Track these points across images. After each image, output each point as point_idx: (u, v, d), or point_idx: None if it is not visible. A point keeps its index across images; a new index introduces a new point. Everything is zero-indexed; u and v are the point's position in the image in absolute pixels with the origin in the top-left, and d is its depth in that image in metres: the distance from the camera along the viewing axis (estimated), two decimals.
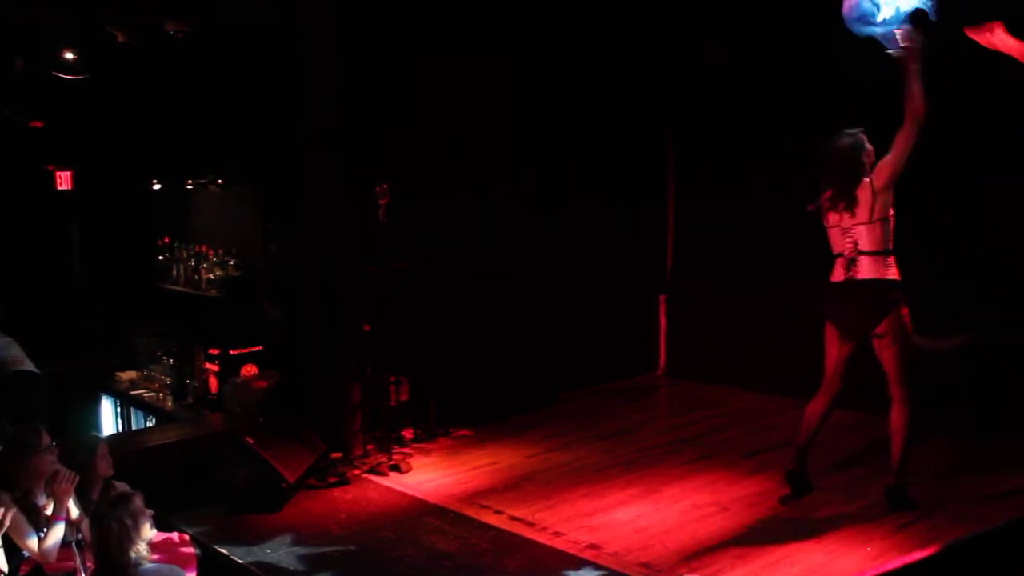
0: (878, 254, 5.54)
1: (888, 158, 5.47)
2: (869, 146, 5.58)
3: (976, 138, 6.51)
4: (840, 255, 5.64)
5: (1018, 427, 6.62)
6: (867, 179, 5.52)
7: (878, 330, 5.59)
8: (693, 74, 8.39)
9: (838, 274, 5.66)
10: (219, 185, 8.44)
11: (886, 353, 5.61)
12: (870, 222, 5.52)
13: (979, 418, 6.83)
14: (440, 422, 7.53)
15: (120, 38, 6.98)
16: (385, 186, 6.77)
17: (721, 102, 8.20)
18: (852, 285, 5.61)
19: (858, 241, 5.57)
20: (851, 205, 5.55)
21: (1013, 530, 5.52)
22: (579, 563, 5.31)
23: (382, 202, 6.77)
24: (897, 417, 5.67)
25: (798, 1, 7.39)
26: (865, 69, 6.24)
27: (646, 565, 5.26)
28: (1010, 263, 6.74)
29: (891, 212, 5.54)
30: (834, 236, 5.67)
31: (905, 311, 5.55)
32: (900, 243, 5.60)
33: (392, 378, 7.22)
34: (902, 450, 5.71)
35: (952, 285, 6.82)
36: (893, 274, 5.56)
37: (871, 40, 5.67)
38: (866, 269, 5.56)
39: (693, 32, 8.27)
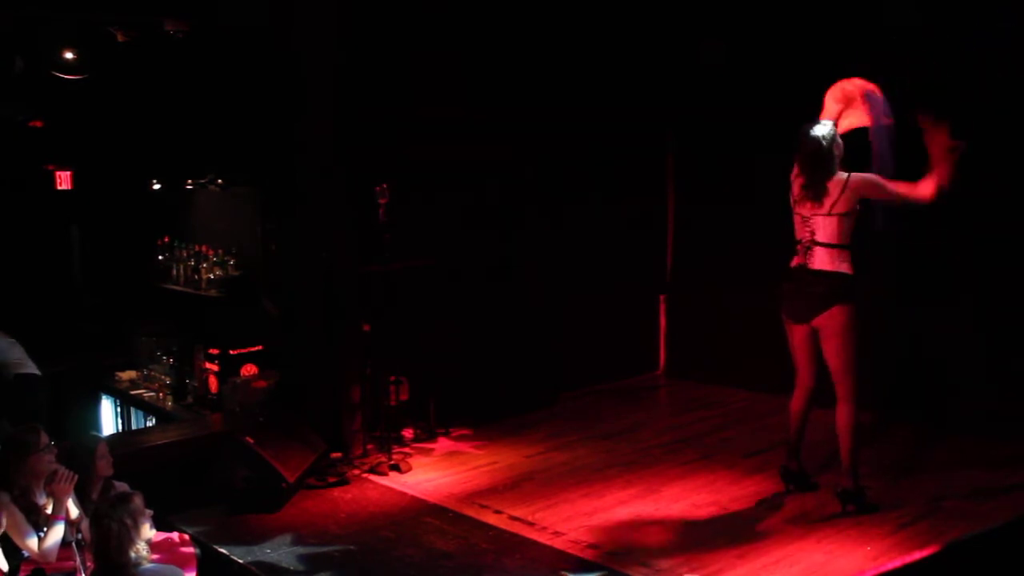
0: (833, 247, 5.56)
1: (885, 186, 5.47)
2: (840, 140, 5.59)
3: None
4: (799, 242, 5.69)
5: (1018, 426, 6.62)
6: (843, 175, 5.52)
7: (816, 322, 5.62)
8: (693, 74, 8.39)
9: (795, 260, 5.73)
10: (219, 185, 8.45)
11: (826, 346, 5.64)
12: (828, 214, 5.55)
13: (979, 417, 6.83)
14: (440, 422, 7.53)
15: (120, 38, 6.98)
16: (385, 186, 6.78)
17: (721, 102, 8.19)
18: (803, 272, 5.66)
19: (815, 231, 5.60)
20: (819, 196, 5.57)
21: (1013, 530, 5.52)
22: (579, 563, 5.31)
23: (382, 202, 6.77)
24: (840, 416, 5.66)
25: (797, 1, 7.42)
26: (864, 69, 6.25)
27: (646, 565, 5.26)
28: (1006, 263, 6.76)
29: (856, 207, 5.55)
30: (797, 223, 5.72)
31: (851, 307, 5.52)
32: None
33: (392, 378, 7.22)
34: (849, 450, 5.68)
35: (950, 284, 6.84)
36: (846, 268, 5.57)
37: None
38: (819, 259, 5.60)
39: (693, 32, 8.26)
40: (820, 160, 5.56)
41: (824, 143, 5.55)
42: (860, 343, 5.56)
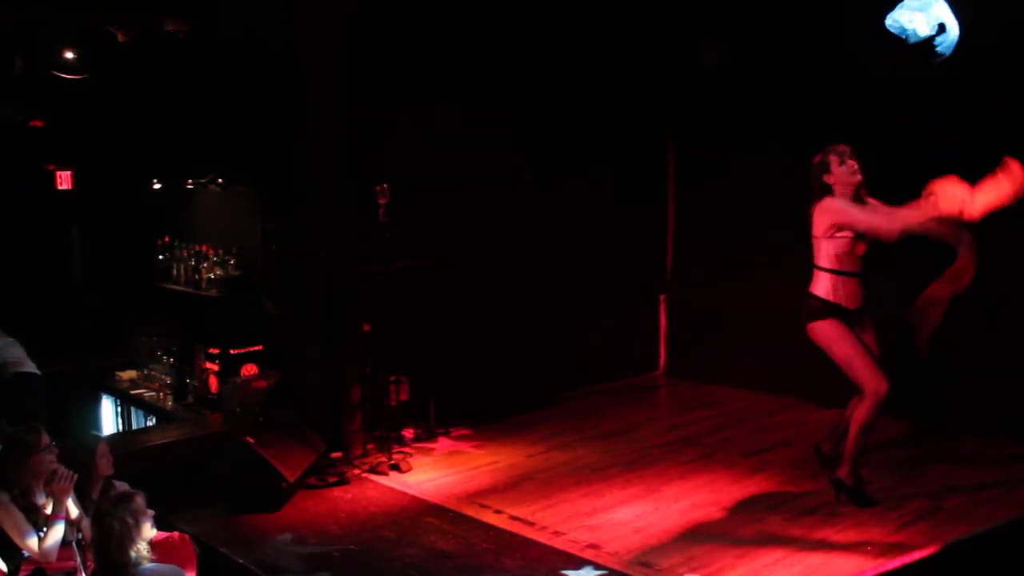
0: (816, 268, 5.77)
1: (848, 214, 5.61)
2: (837, 168, 5.66)
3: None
4: None
5: (1018, 426, 6.62)
6: (822, 201, 5.68)
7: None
8: (693, 74, 8.38)
9: None
10: (219, 185, 8.43)
11: None
12: (815, 237, 5.76)
13: (979, 417, 6.83)
14: (440, 422, 7.54)
15: (120, 38, 6.98)
16: (385, 186, 6.78)
17: (721, 102, 8.20)
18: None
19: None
20: (808, 218, 5.79)
21: (1013, 530, 5.53)
22: (579, 562, 5.32)
23: (382, 202, 6.78)
24: (858, 409, 5.79)
25: (798, 1, 7.41)
26: (864, 68, 6.27)
27: (646, 565, 5.27)
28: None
29: (834, 233, 5.67)
30: None
31: (818, 324, 5.71)
32: None
33: (392, 378, 7.22)
34: (853, 443, 5.81)
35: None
36: (819, 291, 5.75)
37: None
38: (812, 280, 5.82)
39: (693, 32, 8.26)
40: (814, 187, 5.75)
41: (817, 171, 5.73)
42: (853, 349, 5.67)
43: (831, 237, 5.66)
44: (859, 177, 5.66)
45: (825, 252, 5.71)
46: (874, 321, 5.85)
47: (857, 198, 5.68)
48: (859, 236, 5.66)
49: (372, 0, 7.10)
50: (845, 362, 5.71)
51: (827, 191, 5.69)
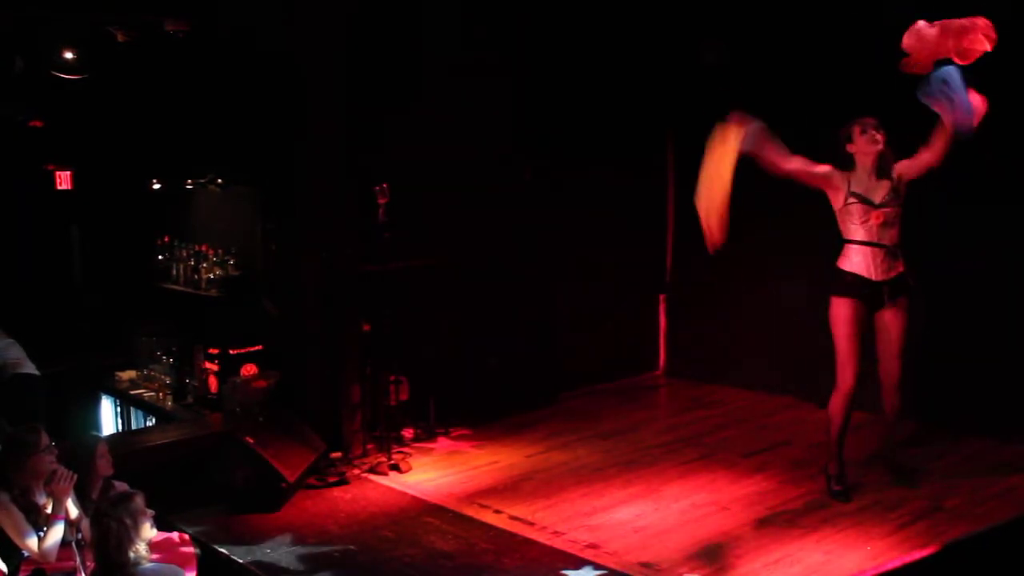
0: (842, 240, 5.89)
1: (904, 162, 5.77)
2: (859, 137, 5.76)
3: None
4: None
5: (1018, 427, 6.62)
6: (844, 172, 5.82)
7: None
8: (693, 74, 8.38)
9: None
10: (219, 185, 8.44)
11: None
12: (836, 211, 5.90)
13: (979, 418, 6.83)
14: (440, 421, 7.53)
15: (120, 38, 6.98)
16: (385, 186, 6.78)
17: (721, 102, 8.17)
18: None
19: None
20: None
21: (1013, 530, 5.53)
22: (579, 562, 5.32)
23: (382, 202, 6.78)
24: (830, 402, 5.98)
25: (797, 1, 7.42)
26: (864, 68, 6.26)
27: (646, 565, 5.27)
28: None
29: (838, 206, 5.84)
30: None
31: (832, 299, 5.84)
32: None
33: (392, 378, 7.22)
34: (829, 433, 5.99)
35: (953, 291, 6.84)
36: (840, 262, 5.86)
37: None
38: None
39: (693, 32, 8.26)
40: (839, 158, 5.87)
41: (840, 141, 5.83)
42: (847, 336, 5.77)
43: (842, 208, 5.78)
44: (879, 147, 5.72)
45: (842, 224, 5.83)
46: (909, 299, 5.89)
47: (882, 169, 5.74)
48: (869, 204, 5.71)
49: (372, 1, 7.10)
50: (835, 342, 5.83)
51: (849, 161, 5.78)
